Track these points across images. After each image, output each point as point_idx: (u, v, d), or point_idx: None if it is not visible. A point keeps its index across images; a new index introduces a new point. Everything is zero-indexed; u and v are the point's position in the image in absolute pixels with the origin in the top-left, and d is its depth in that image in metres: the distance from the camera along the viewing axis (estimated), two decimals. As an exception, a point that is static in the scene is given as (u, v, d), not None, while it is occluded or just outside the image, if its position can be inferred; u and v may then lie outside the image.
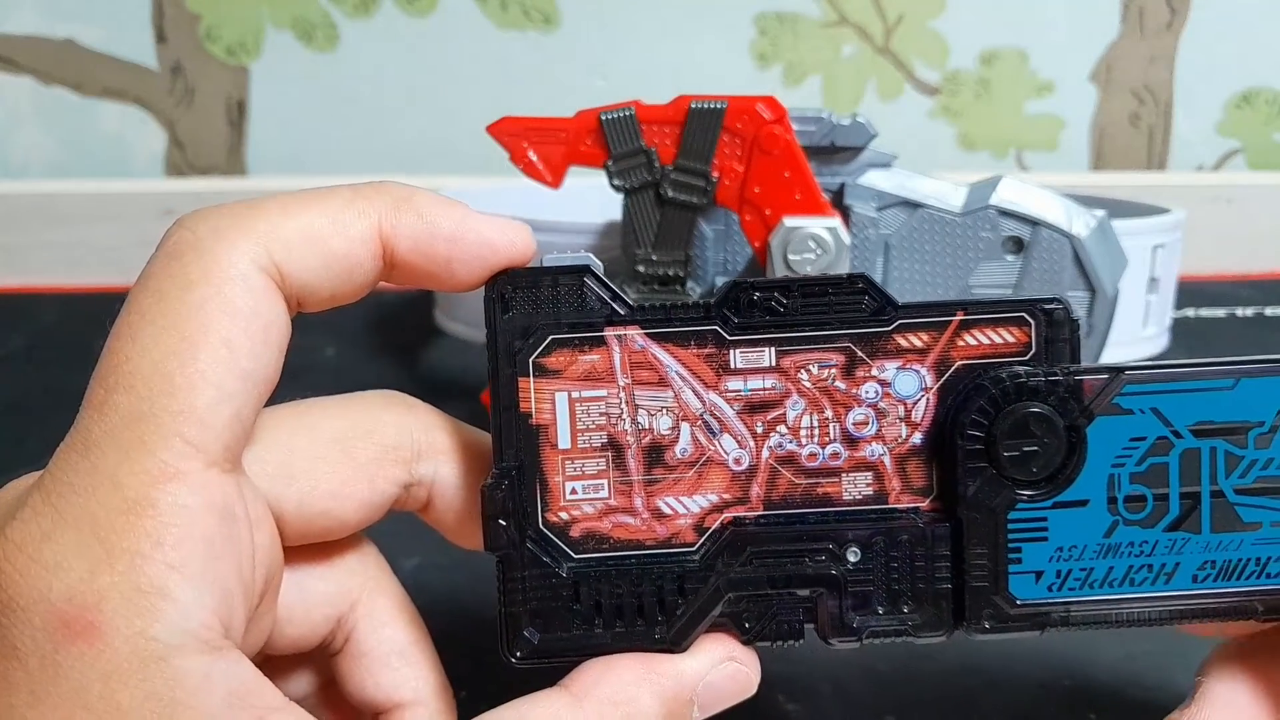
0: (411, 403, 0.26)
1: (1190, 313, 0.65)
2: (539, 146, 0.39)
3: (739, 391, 0.24)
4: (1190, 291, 0.64)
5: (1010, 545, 0.24)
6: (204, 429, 0.21)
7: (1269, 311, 0.67)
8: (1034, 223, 0.39)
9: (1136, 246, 0.48)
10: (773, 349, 0.24)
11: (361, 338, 0.63)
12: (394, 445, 0.25)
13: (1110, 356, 0.41)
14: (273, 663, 0.27)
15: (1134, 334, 0.51)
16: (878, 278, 0.40)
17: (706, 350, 0.24)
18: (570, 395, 0.24)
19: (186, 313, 0.21)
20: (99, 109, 0.78)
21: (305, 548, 0.25)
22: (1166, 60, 0.77)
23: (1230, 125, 0.78)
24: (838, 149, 0.40)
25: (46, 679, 0.20)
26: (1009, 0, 0.76)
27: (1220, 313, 0.66)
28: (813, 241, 0.39)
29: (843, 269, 0.39)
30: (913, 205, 0.40)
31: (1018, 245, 0.40)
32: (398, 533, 0.30)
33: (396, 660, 0.26)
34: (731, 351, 0.24)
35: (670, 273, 0.40)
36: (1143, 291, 0.51)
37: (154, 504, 0.20)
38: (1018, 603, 0.24)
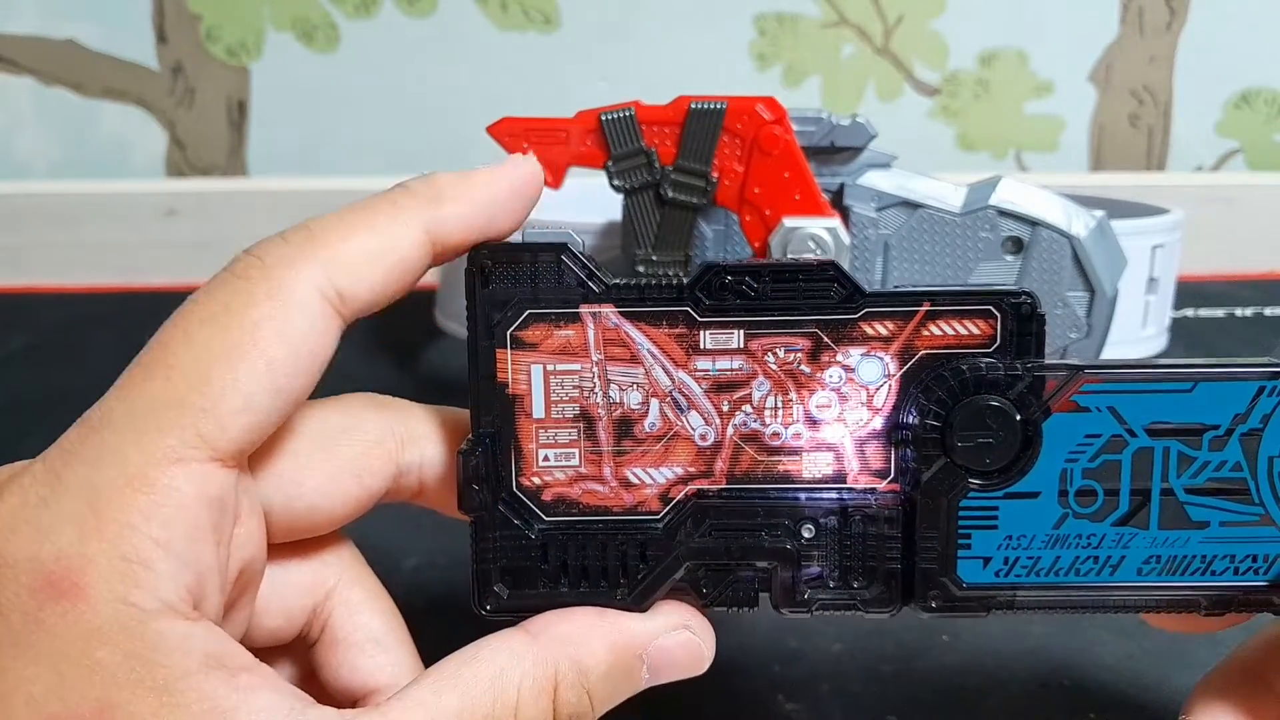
0: (387, 400, 0.27)
1: (1189, 313, 0.65)
2: (539, 147, 0.39)
3: (707, 371, 0.25)
4: (1189, 291, 0.64)
5: (960, 532, 0.24)
6: (221, 430, 0.22)
7: (1268, 311, 0.67)
8: (1033, 223, 0.39)
9: (1136, 246, 0.48)
10: (741, 331, 0.25)
11: (361, 338, 0.63)
12: (376, 440, 0.26)
13: (1109, 356, 0.41)
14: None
15: (1133, 334, 0.51)
16: (877, 278, 0.40)
17: (677, 330, 0.25)
18: (545, 368, 0.25)
19: (243, 326, 0.22)
20: (100, 109, 0.78)
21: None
22: (1166, 60, 0.77)
23: (1229, 125, 0.78)
24: (837, 149, 0.40)
25: (30, 634, 0.21)
26: (1009, 0, 0.76)
27: (1219, 313, 0.66)
28: (812, 242, 0.39)
29: (843, 269, 0.39)
30: (912, 205, 0.40)
31: (1017, 245, 0.40)
32: (398, 533, 0.30)
33: (372, 647, 0.26)
34: (701, 332, 0.25)
35: (670, 273, 0.40)
36: (1142, 292, 0.51)
37: (152, 483, 0.21)
38: (964, 585, 0.24)
